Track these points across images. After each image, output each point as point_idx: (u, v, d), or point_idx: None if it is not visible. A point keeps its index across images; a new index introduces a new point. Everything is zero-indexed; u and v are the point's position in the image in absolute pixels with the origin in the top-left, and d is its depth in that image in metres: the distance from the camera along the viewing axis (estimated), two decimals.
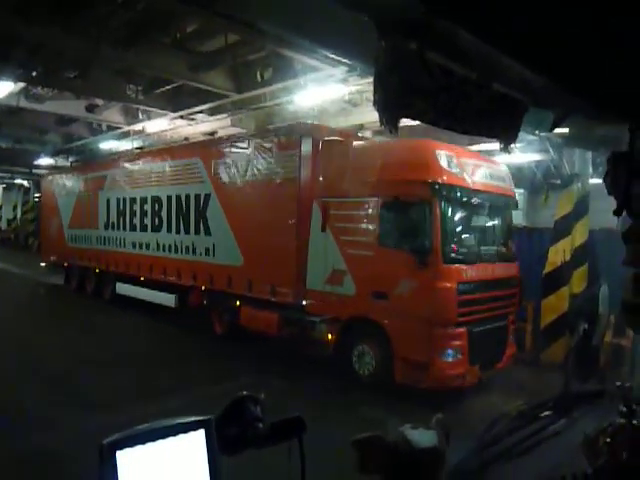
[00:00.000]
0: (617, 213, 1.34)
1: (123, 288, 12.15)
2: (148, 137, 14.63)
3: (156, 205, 10.81)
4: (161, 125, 13.30)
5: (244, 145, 8.77)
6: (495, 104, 1.14)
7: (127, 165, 12.30)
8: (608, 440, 0.92)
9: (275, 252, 7.90)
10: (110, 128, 15.15)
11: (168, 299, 10.55)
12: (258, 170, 8.35)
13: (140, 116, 13.77)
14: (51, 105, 12.38)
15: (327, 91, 8.84)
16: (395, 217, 6.65)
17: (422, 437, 1.13)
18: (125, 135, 15.05)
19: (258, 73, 10.02)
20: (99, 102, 12.92)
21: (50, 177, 16.78)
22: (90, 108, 13.04)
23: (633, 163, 1.31)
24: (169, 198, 10.39)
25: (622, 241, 1.33)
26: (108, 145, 16.49)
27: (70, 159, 19.52)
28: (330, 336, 7.21)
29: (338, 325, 7.13)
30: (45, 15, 6.96)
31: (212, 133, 12.66)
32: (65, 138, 18.11)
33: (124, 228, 12.02)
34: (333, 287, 7.18)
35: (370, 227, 6.85)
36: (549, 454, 1.39)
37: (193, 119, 12.53)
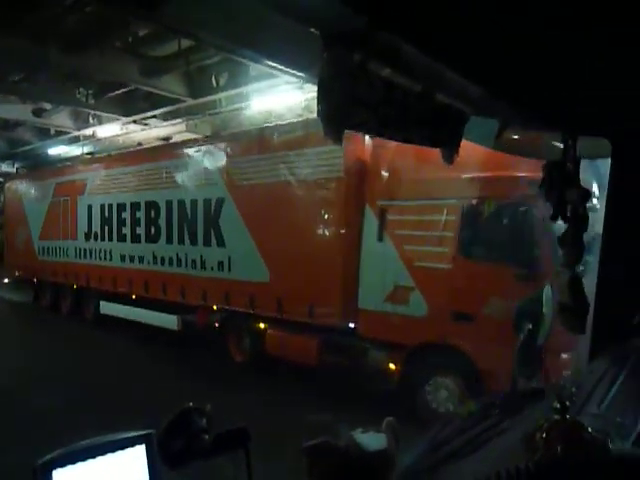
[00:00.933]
0: (553, 218, 1.43)
1: (109, 307, 10.61)
2: (99, 142, 14.22)
3: (152, 211, 9.35)
4: (113, 130, 12.97)
5: (269, 139, 7.54)
6: (437, 114, 1.18)
7: (114, 167, 10.76)
8: (544, 435, 0.97)
9: (314, 265, 6.74)
10: (59, 133, 14.63)
11: (169, 320, 9.07)
12: (290, 169, 7.11)
13: (91, 120, 13.37)
14: None
15: (283, 98, 8.87)
16: (484, 222, 5.58)
17: (372, 440, 1.14)
18: (75, 140, 14.57)
19: (213, 78, 9.94)
20: (47, 106, 12.46)
21: (16, 181, 15.05)
22: (37, 112, 12.54)
23: (566, 171, 1.40)
24: (169, 203, 8.96)
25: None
26: (57, 150, 15.91)
27: (16, 165, 18.70)
28: (393, 366, 6.12)
29: (403, 352, 6.04)
30: None
31: (166, 138, 12.46)
32: (10, 143, 17.33)
33: (110, 239, 10.45)
34: (395, 306, 6.05)
35: (447, 235, 5.77)
36: (494, 452, 1.45)
37: (146, 124, 12.29)
